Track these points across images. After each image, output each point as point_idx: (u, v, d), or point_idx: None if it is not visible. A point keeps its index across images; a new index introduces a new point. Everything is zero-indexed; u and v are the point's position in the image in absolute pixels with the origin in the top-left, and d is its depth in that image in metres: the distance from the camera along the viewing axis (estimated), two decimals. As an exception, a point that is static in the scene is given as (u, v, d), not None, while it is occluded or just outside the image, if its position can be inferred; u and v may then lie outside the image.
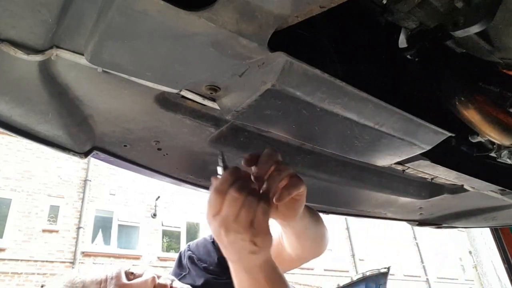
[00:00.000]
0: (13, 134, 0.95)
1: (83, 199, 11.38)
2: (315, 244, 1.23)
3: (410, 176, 1.31)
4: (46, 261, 10.13)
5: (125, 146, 1.09)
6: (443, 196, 1.59)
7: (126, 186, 12.11)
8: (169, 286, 1.05)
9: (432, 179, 1.29)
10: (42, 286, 9.70)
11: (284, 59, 0.62)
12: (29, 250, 10.01)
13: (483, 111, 0.94)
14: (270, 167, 0.78)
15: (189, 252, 1.33)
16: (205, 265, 1.26)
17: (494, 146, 1.16)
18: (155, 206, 12.47)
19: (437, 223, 2.08)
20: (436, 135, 0.92)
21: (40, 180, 10.94)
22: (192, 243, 1.39)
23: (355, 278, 9.96)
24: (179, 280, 1.19)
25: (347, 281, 10.53)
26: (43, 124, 0.94)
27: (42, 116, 0.91)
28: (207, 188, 1.38)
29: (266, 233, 0.73)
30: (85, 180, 11.66)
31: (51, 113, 0.90)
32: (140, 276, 1.08)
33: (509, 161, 1.18)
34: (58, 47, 0.70)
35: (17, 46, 0.68)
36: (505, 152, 1.15)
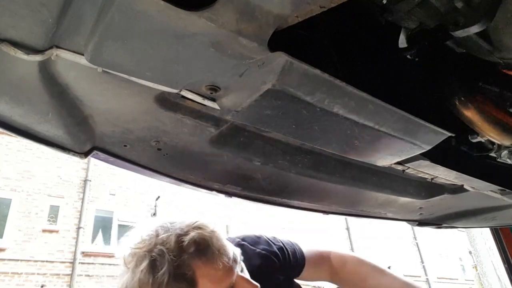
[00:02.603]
0: (13, 134, 0.95)
1: (83, 199, 11.37)
2: None
3: (410, 176, 1.31)
4: (46, 261, 10.12)
5: (125, 146, 1.09)
6: (443, 196, 1.59)
7: (126, 186, 12.10)
8: None
9: (432, 179, 1.29)
10: (42, 286, 9.70)
11: (284, 59, 0.62)
12: (29, 250, 9.99)
13: (483, 111, 0.94)
14: None
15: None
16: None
17: (494, 146, 1.16)
18: (155, 206, 12.47)
19: (437, 223, 2.08)
20: (436, 135, 0.92)
21: (40, 180, 10.93)
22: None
23: (355, 278, 9.94)
24: None
25: (347, 281, 10.48)
26: (43, 124, 0.94)
27: (42, 116, 0.91)
28: (207, 188, 1.38)
29: None
30: (85, 180, 11.65)
31: (51, 113, 0.90)
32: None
33: (509, 161, 1.18)
34: (58, 47, 0.70)
35: (17, 46, 0.68)
36: (505, 152, 1.15)
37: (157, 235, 0.87)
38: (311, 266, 1.24)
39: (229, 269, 0.88)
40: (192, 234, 0.87)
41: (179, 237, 0.86)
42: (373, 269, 1.26)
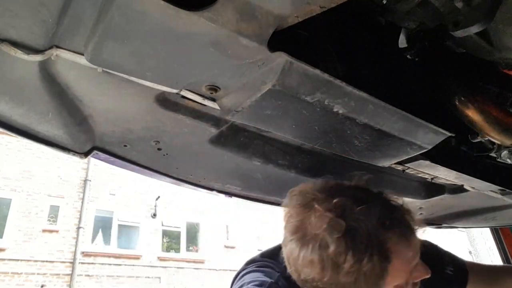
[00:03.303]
0: (13, 134, 0.95)
1: (83, 199, 11.37)
2: None
3: (410, 176, 1.31)
4: (46, 261, 10.12)
5: (125, 146, 1.09)
6: (443, 196, 1.58)
7: (126, 186, 12.10)
8: None
9: (432, 179, 1.29)
10: (42, 286, 9.70)
11: (284, 59, 0.62)
12: (29, 250, 9.99)
13: (483, 111, 0.94)
14: None
15: None
16: None
17: (494, 146, 1.15)
18: (155, 206, 12.46)
19: (437, 223, 2.08)
20: (436, 135, 0.92)
21: (40, 180, 10.93)
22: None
23: (355, 278, 9.94)
24: None
25: (347, 281, 10.48)
26: (43, 124, 0.94)
27: (42, 116, 0.91)
28: (207, 188, 1.38)
29: None
30: (85, 180, 11.65)
31: (51, 113, 0.90)
32: None
33: (509, 161, 1.17)
34: (58, 47, 0.70)
35: (17, 46, 0.68)
36: (505, 152, 1.15)
37: (352, 204, 0.78)
38: (481, 279, 1.13)
39: (417, 251, 0.85)
40: (397, 214, 0.83)
41: (382, 213, 0.79)
42: None
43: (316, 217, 0.77)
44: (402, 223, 0.83)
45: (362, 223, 0.76)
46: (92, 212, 11.45)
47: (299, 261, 0.78)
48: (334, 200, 0.78)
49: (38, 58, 0.70)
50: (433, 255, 1.09)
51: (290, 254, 0.81)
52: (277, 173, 1.28)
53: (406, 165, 1.12)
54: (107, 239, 11.47)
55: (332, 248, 0.74)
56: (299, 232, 0.79)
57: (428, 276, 0.87)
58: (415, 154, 0.98)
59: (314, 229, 0.77)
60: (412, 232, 0.84)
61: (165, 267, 11.74)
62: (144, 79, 0.74)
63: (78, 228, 10.92)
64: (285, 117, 0.76)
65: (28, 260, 9.89)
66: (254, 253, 1.28)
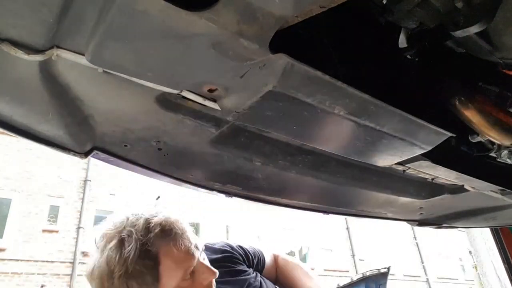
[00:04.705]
0: (14, 134, 0.94)
1: (83, 199, 11.37)
2: None
3: (411, 176, 1.31)
4: (46, 261, 10.11)
5: (125, 146, 1.09)
6: (443, 196, 1.59)
7: (126, 186, 12.09)
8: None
9: (432, 179, 1.30)
10: (42, 286, 9.70)
11: (285, 60, 0.62)
12: (29, 250, 9.99)
13: (483, 111, 0.94)
14: None
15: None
16: None
17: (494, 146, 1.16)
18: (155, 206, 12.47)
19: (437, 223, 2.08)
20: (436, 136, 0.92)
21: (40, 180, 10.93)
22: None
23: (355, 278, 9.96)
24: None
25: (347, 281, 10.55)
26: (44, 124, 0.94)
27: (42, 116, 0.91)
28: (207, 188, 1.38)
29: None
30: (85, 180, 11.65)
31: (52, 113, 0.90)
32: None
33: (509, 161, 1.18)
34: (58, 47, 0.70)
35: (18, 46, 0.67)
36: (505, 152, 1.15)
37: (128, 219, 0.93)
38: (269, 264, 1.32)
39: (191, 253, 0.95)
40: (159, 216, 0.95)
41: (147, 219, 0.93)
42: (304, 274, 1.35)
43: (101, 237, 0.94)
44: (168, 229, 0.94)
45: (131, 234, 0.90)
46: (92, 212, 11.45)
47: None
48: (113, 221, 0.95)
49: (38, 58, 0.70)
50: (246, 254, 1.28)
51: None
52: (277, 173, 1.28)
53: (406, 165, 1.12)
54: (107, 239, 11.47)
55: (104, 257, 0.89)
56: (93, 248, 0.97)
57: (214, 277, 0.98)
58: (415, 155, 0.98)
59: (97, 246, 0.93)
60: (178, 235, 0.95)
61: (165, 267, 11.74)
62: (144, 79, 0.74)
63: (78, 228, 10.92)
64: (286, 118, 0.77)
65: (28, 260, 9.89)
66: (254, 253, 1.30)
